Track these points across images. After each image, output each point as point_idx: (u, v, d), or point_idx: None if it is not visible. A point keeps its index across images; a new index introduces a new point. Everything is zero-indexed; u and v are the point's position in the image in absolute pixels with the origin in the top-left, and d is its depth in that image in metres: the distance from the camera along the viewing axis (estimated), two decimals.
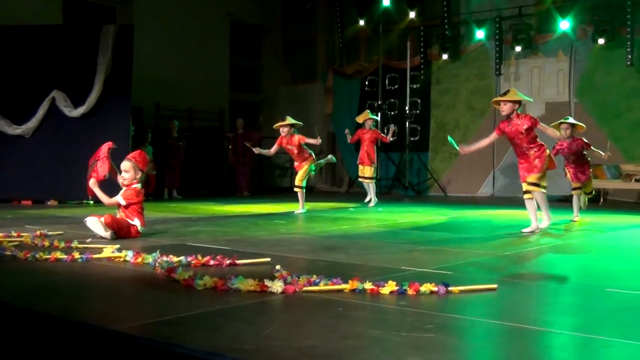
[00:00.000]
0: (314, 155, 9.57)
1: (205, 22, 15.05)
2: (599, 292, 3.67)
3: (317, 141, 9.29)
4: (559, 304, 3.41)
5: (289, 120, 9.40)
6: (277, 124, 9.47)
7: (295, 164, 9.72)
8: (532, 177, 6.67)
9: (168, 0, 14.25)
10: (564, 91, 13.34)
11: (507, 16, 13.63)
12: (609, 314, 3.11)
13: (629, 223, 8.24)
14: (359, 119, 11.10)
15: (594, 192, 8.74)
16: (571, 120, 8.33)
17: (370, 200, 10.70)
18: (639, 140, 12.43)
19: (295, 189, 9.44)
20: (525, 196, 6.77)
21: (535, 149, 6.68)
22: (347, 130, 11.03)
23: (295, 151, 9.35)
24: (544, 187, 6.77)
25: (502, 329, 2.78)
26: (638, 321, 2.95)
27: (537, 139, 6.74)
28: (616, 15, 12.20)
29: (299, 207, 9.22)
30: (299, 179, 9.38)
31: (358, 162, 10.98)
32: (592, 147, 7.98)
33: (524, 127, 6.58)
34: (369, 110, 11.39)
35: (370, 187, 10.85)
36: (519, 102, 6.66)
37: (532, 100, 7.63)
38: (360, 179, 11.40)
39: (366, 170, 10.78)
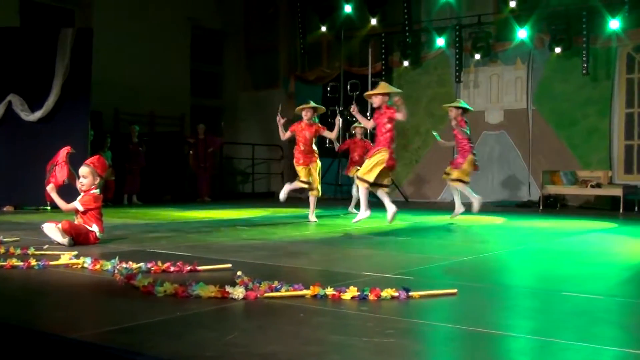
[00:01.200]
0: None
1: (167, 26, 14.94)
2: (556, 296, 3.74)
3: (334, 135, 8.76)
4: (518, 308, 3.46)
5: (312, 103, 8.76)
6: (299, 107, 8.80)
7: (297, 160, 8.71)
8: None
9: (128, 4, 14.11)
10: (522, 98, 13.58)
11: (467, 24, 13.84)
12: (566, 317, 3.17)
13: (584, 228, 8.40)
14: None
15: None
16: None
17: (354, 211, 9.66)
18: (595, 147, 12.73)
19: (312, 195, 8.75)
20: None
21: (378, 144, 7.45)
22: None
23: (309, 142, 8.56)
24: (366, 182, 7.35)
25: (462, 333, 2.81)
26: (594, 324, 3.01)
27: (387, 136, 7.44)
28: (572, 24, 12.49)
29: (310, 214, 8.71)
30: (317, 184, 8.66)
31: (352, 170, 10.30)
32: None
33: (386, 118, 7.41)
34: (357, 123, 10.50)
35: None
36: (388, 95, 7.51)
37: (399, 91, 8.06)
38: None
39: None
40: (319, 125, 8.71)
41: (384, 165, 7.30)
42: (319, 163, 8.77)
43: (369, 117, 8.82)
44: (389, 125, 7.43)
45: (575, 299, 3.63)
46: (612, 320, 3.17)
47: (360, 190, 7.60)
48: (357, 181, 7.98)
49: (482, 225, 8.65)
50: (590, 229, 8.30)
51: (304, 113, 8.62)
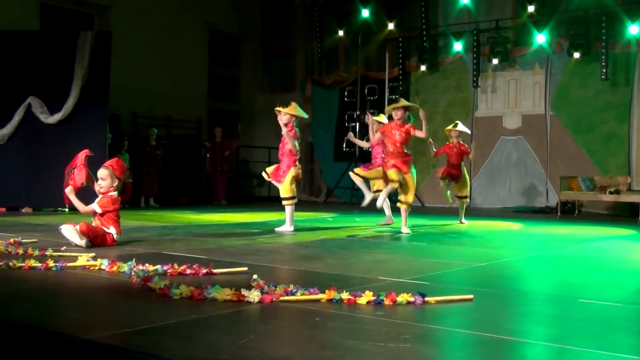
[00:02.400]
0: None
1: (184, 30, 15.02)
2: (573, 302, 3.71)
3: (423, 134, 7.72)
4: (534, 315, 3.44)
5: (404, 102, 8.11)
6: (390, 106, 8.18)
7: (386, 163, 7.89)
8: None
9: (146, 8, 14.20)
10: (540, 104, 13.49)
11: (485, 29, 13.78)
12: (583, 324, 3.14)
13: (602, 235, 8.33)
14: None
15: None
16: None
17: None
18: (613, 153, 12.61)
19: (402, 207, 7.84)
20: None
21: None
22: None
23: (398, 144, 7.74)
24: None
25: (478, 339, 2.80)
26: (610, 332, 2.98)
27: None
28: (591, 29, 12.39)
29: (402, 227, 7.82)
30: (409, 195, 7.84)
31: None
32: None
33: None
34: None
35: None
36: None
37: (306, 116, 7.94)
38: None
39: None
40: (412, 125, 7.84)
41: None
42: (413, 172, 7.89)
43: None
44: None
45: (592, 306, 3.60)
46: (629, 328, 3.14)
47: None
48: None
49: (499, 231, 8.60)
50: (609, 235, 8.23)
51: (394, 113, 7.85)
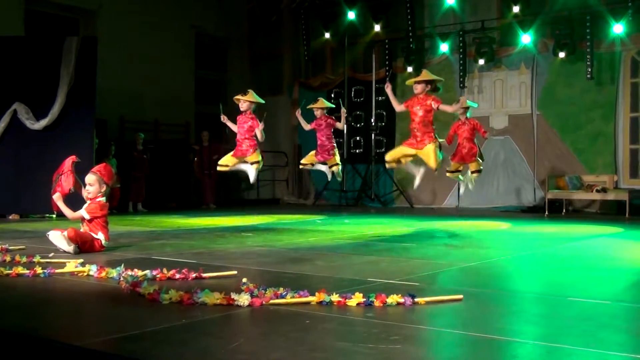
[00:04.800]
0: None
1: (171, 34, 14.97)
2: (562, 301, 3.73)
3: (451, 108, 7.63)
4: (524, 314, 3.45)
5: (426, 74, 7.60)
6: (412, 79, 7.69)
7: (408, 140, 7.64)
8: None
9: (132, 12, 14.14)
10: (526, 103, 13.56)
11: (470, 30, 13.84)
12: (572, 322, 3.16)
13: (590, 233, 8.38)
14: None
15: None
16: None
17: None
18: (599, 152, 12.70)
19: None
20: None
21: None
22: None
23: (421, 120, 7.37)
24: None
25: (468, 339, 2.81)
26: (599, 329, 3.00)
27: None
28: (576, 29, 12.47)
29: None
30: (431, 159, 7.42)
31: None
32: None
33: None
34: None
35: None
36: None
37: (263, 102, 8.55)
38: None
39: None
40: (436, 97, 7.38)
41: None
42: (435, 145, 7.40)
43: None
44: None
45: (581, 304, 3.62)
46: (618, 325, 3.16)
47: None
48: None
49: (488, 231, 8.63)
50: (596, 233, 8.28)
51: (414, 87, 7.48)
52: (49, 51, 10.52)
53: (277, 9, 16.54)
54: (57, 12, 13.57)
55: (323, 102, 9.14)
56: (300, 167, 9.62)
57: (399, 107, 7.83)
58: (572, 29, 12.49)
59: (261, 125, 8.02)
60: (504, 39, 13.79)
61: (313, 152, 9.08)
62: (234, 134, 8.44)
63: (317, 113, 9.07)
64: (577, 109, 12.90)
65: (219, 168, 8.43)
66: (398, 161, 7.82)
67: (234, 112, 8.51)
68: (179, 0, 15.22)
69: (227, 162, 8.25)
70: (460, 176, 9.16)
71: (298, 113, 9.40)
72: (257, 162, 8.17)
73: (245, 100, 8.20)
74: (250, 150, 8.12)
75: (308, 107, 9.18)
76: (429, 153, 7.32)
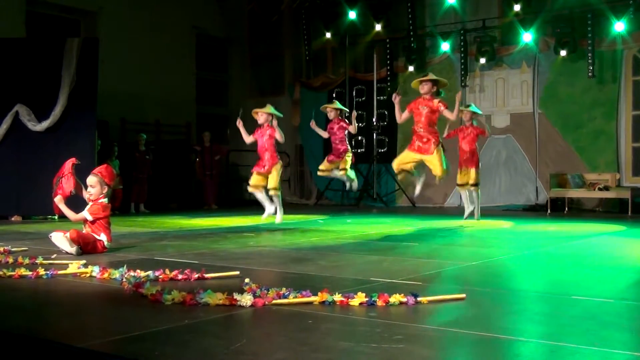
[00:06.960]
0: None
1: (171, 35, 14.99)
2: (565, 299, 3.72)
3: (453, 116, 7.60)
4: (527, 312, 3.45)
5: (433, 75, 7.75)
6: (417, 80, 7.81)
7: (411, 144, 7.75)
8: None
9: (133, 13, 14.16)
10: (527, 102, 13.54)
11: (471, 29, 13.83)
12: (575, 321, 3.15)
13: (592, 231, 8.37)
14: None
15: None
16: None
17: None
18: (602, 150, 12.68)
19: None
20: None
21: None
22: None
23: (425, 122, 7.45)
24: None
25: (471, 338, 2.80)
26: (603, 328, 2.99)
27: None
28: (577, 27, 12.45)
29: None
30: (438, 168, 7.53)
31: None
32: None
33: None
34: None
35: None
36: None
37: (281, 115, 8.60)
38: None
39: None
40: (442, 100, 7.41)
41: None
42: (440, 152, 7.43)
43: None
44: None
45: (584, 302, 3.61)
46: (621, 323, 3.15)
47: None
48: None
49: (490, 230, 8.62)
50: (599, 232, 8.26)
51: (420, 87, 7.50)
52: (50, 53, 10.52)
53: (277, 9, 16.54)
54: (58, 13, 13.60)
55: (336, 104, 9.14)
56: (319, 173, 9.51)
57: (401, 119, 7.96)
58: (573, 27, 12.47)
59: (278, 134, 8.20)
60: (505, 38, 13.77)
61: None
62: (234, 135, 8.54)
63: (331, 115, 9.00)
64: (578, 107, 12.88)
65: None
66: (406, 171, 7.93)
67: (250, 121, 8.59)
68: (180, 1, 15.24)
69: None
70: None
71: (313, 124, 9.25)
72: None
73: (263, 113, 8.22)
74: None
75: (322, 107, 9.13)
76: (435, 161, 7.30)
